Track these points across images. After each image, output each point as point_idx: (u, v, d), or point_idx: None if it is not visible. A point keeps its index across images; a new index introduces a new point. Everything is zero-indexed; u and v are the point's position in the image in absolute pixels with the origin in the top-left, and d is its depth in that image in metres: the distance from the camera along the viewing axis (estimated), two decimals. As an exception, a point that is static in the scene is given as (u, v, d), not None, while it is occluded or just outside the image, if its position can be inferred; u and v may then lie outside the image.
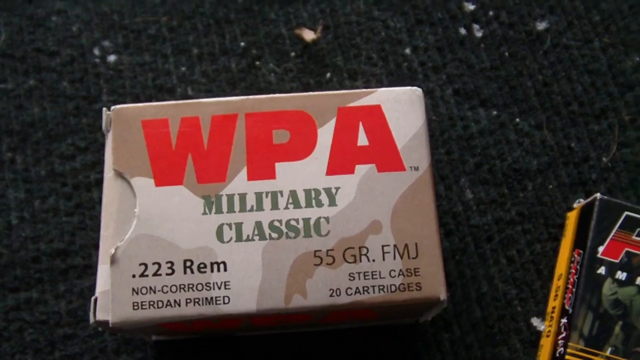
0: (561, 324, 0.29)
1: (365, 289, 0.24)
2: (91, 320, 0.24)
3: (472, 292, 0.32)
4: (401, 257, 0.24)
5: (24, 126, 0.34)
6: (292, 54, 0.35)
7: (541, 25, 0.36)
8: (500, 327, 0.31)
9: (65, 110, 0.34)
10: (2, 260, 0.32)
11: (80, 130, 0.34)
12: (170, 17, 0.36)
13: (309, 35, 0.35)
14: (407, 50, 0.35)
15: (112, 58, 0.35)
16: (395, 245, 0.24)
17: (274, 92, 0.34)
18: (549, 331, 0.30)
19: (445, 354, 0.31)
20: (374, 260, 0.24)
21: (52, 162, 0.33)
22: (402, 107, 0.26)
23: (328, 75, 0.35)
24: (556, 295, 0.31)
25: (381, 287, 0.24)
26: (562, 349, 0.28)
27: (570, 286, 0.29)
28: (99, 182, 0.33)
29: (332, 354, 0.31)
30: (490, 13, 0.36)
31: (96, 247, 0.32)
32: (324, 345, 0.31)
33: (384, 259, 0.24)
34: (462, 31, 0.36)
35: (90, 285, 0.32)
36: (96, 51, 0.35)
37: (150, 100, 0.34)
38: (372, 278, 0.24)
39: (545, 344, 0.30)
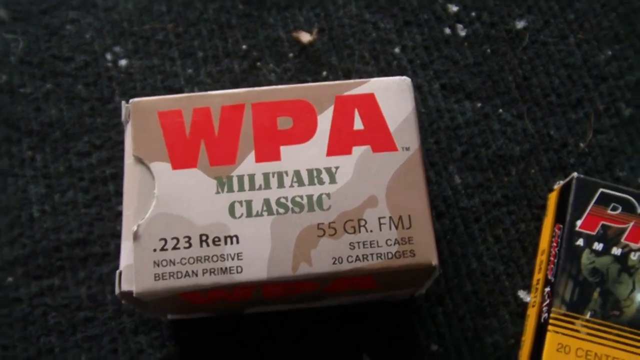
0: (545, 293, 0.32)
1: (365, 256, 0.27)
2: (116, 291, 0.26)
3: (463, 269, 0.34)
4: (396, 228, 0.27)
5: (43, 126, 0.36)
6: (290, 55, 0.38)
7: (520, 24, 0.39)
8: (489, 300, 0.34)
9: (81, 111, 0.37)
10: (26, 250, 0.34)
11: (95, 129, 0.36)
12: (176, 23, 0.38)
13: (305, 37, 0.38)
14: (397, 50, 0.38)
15: (123, 62, 0.38)
16: (390, 217, 0.27)
17: (275, 90, 0.37)
18: (535, 302, 0.33)
19: (439, 326, 0.33)
20: (371, 231, 0.27)
21: (69, 159, 0.36)
22: (393, 95, 0.29)
23: (324, 73, 0.37)
24: (540, 269, 0.33)
25: (379, 255, 0.27)
26: (546, 314, 0.31)
27: (552, 258, 0.32)
28: (114, 176, 0.36)
29: (334, 329, 0.33)
30: (473, 14, 0.39)
31: (113, 236, 0.35)
32: (326, 322, 0.33)
33: (380, 230, 0.27)
34: (447, 31, 0.38)
35: (108, 272, 0.34)
36: (108, 56, 0.38)
37: (159, 100, 0.37)
38: (371, 247, 0.27)
39: (532, 314, 0.33)
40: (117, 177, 0.35)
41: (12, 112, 0.37)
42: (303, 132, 0.28)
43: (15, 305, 0.34)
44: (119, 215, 0.35)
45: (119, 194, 0.35)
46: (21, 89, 0.37)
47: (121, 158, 0.36)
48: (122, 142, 0.36)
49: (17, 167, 0.36)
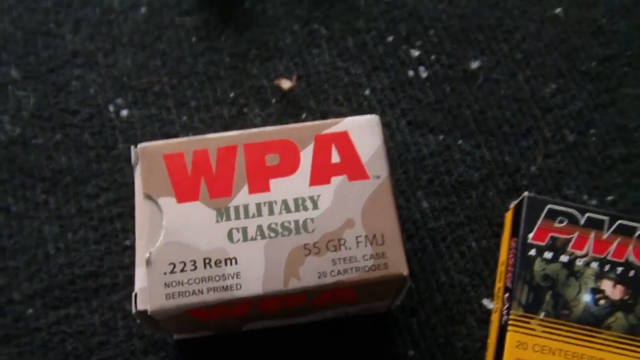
0: (505, 298, 0.36)
1: (345, 270, 0.31)
2: (133, 311, 0.30)
3: (433, 283, 0.39)
4: (371, 245, 0.31)
5: (55, 173, 0.41)
6: (273, 100, 0.43)
7: (474, 65, 0.44)
8: (458, 309, 0.38)
9: (88, 158, 0.41)
10: (43, 284, 0.38)
11: (102, 173, 0.41)
12: (171, 76, 0.43)
13: (286, 84, 0.42)
14: (367, 92, 0.43)
15: (124, 113, 0.42)
16: (366, 236, 0.31)
17: (260, 132, 0.41)
18: (497, 308, 0.37)
19: (414, 335, 0.38)
20: (350, 249, 0.31)
21: (79, 201, 0.40)
22: (364, 131, 0.33)
23: (304, 115, 0.42)
24: (500, 278, 0.38)
25: (357, 268, 0.31)
26: (506, 316, 0.35)
27: (510, 268, 0.36)
28: (120, 215, 0.40)
29: (322, 343, 0.37)
30: (433, 57, 0.44)
31: (121, 268, 0.39)
32: (315, 336, 0.37)
33: (357, 247, 0.31)
34: (411, 73, 0.43)
35: (118, 300, 0.38)
36: (111, 108, 0.42)
37: (158, 145, 0.41)
38: (350, 262, 0.31)
39: (495, 319, 0.37)
40: (123, 215, 0.40)
41: (26, 161, 0.41)
42: (288, 167, 0.33)
43: (36, 334, 0.38)
44: (126, 249, 0.39)
45: (125, 230, 0.39)
46: (33, 140, 0.41)
47: (126, 198, 0.40)
48: (126, 184, 0.40)
49: (33, 210, 0.40)
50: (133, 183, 0.40)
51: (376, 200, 0.32)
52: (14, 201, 0.40)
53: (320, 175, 0.32)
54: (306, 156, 0.33)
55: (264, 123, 0.42)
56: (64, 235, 0.39)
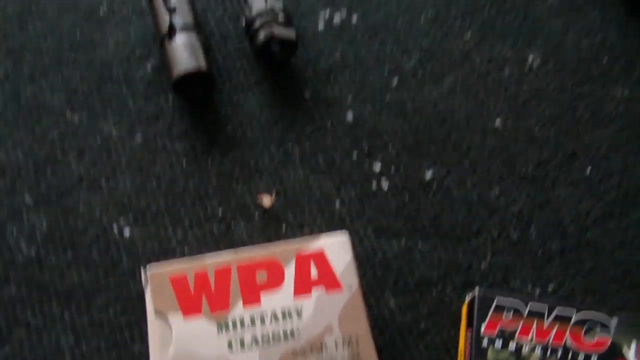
0: (464, 383, 0.42)
1: (327, 369, 0.37)
2: (150, 413, 0.36)
3: (403, 370, 0.45)
4: (348, 346, 0.37)
5: (68, 289, 0.46)
6: (256, 216, 0.49)
7: (428, 175, 0.51)
8: (425, 393, 0.44)
9: (97, 274, 0.47)
10: (62, 390, 0.44)
11: (109, 287, 0.46)
12: (166, 198, 0.49)
13: (267, 201, 0.49)
14: (337, 205, 0.50)
15: (127, 232, 0.48)
16: (343, 339, 0.38)
17: (246, 245, 0.48)
18: (458, 390, 0.43)
19: (389, 417, 0.44)
20: (330, 351, 0.37)
21: (91, 313, 0.46)
22: (337, 249, 0.40)
23: (284, 226, 0.49)
24: (460, 364, 0.44)
25: (337, 367, 0.37)
26: (465, 399, 0.41)
27: (467, 355, 0.43)
28: (128, 324, 0.45)
29: None
30: (392, 169, 0.51)
31: (130, 371, 0.44)
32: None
33: (337, 349, 0.37)
34: (374, 186, 0.50)
35: (129, 400, 0.44)
36: (114, 228, 0.48)
37: (158, 260, 0.47)
38: (331, 362, 0.37)
39: (457, 400, 0.43)
40: (131, 324, 0.45)
41: (42, 279, 0.47)
42: (275, 282, 0.39)
43: None
44: (134, 356, 0.45)
45: (133, 337, 0.45)
46: (47, 260, 0.47)
47: (132, 308, 0.46)
48: (132, 297, 0.46)
49: (50, 324, 0.45)
50: (138, 295, 0.46)
51: (349, 307, 0.38)
52: (32, 316, 0.45)
53: (302, 288, 0.39)
54: (289, 272, 0.39)
55: (250, 237, 0.48)
56: (80, 345, 0.45)
